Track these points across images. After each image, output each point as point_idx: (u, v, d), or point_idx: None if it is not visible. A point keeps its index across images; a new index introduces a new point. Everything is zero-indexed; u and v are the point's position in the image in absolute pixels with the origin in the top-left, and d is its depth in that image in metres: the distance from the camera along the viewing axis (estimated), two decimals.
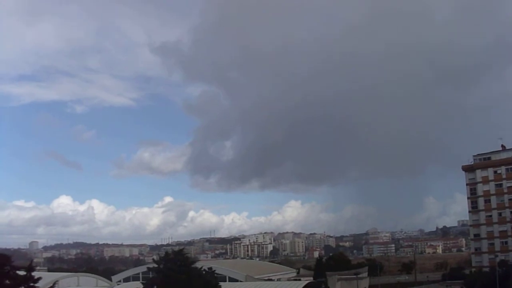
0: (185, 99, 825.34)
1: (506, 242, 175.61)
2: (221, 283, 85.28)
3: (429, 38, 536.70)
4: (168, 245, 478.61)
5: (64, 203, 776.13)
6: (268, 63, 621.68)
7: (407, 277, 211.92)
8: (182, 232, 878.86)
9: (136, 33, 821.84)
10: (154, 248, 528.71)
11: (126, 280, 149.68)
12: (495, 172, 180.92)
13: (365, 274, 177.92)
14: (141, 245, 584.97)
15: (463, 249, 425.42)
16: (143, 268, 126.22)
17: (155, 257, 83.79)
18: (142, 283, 73.61)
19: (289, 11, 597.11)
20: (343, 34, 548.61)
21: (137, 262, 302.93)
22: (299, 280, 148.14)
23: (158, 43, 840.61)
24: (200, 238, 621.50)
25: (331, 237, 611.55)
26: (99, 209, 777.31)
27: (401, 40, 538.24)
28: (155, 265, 73.08)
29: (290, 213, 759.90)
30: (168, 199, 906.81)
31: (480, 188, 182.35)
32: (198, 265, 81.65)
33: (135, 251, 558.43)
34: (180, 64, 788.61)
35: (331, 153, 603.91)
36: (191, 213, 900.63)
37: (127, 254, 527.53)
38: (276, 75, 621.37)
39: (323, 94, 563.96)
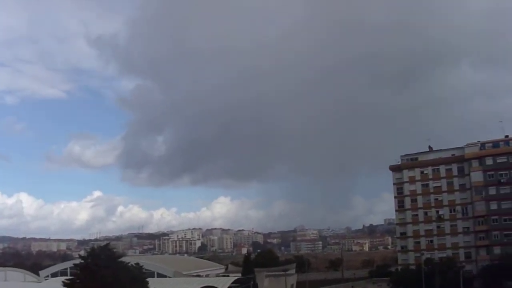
0: (119, 93, 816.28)
1: (431, 241, 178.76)
2: (149, 279, 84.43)
3: (361, 42, 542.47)
4: (96, 240, 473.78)
5: None
6: (203, 60, 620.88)
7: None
8: (111, 227, 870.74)
9: (72, 25, 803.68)
10: (82, 243, 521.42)
11: (54, 275, 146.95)
12: (422, 172, 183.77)
13: (293, 271, 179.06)
14: (69, 240, 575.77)
15: (389, 247, 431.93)
16: (70, 263, 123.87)
17: (82, 252, 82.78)
18: (70, 278, 72.33)
19: (228, 11, 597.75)
20: (278, 36, 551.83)
21: (65, 257, 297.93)
22: (228, 276, 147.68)
23: (94, 35, 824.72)
24: (128, 233, 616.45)
25: (259, 233, 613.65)
26: (28, 203, 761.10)
27: (334, 44, 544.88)
28: (82, 261, 71.96)
29: (219, 209, 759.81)
30: (97, 193, 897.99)
31: (407, 188, 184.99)
32: (126, 260, 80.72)
33: (63, 246, 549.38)
34: (116, 57, 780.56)
35: (261, 151, 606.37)
36: (120, 208, 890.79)
37: (55, 249, 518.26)
38: (210, 73, 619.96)
39: (256, 93, 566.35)
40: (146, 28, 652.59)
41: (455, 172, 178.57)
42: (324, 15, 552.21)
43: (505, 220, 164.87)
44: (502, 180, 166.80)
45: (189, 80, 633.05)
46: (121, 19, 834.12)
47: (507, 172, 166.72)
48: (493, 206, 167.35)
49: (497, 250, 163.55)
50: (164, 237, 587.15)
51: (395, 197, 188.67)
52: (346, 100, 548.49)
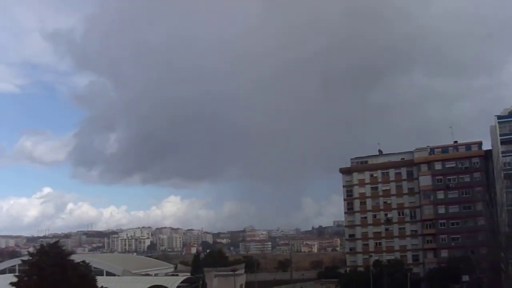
0: (73, 89, 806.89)
1: (380, 243, 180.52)
2: (97, 277, 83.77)
3: (316, 43, 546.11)
4: (44, 237, 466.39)
5: None
6: (158, 58, 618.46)
7: None
8: (60, 224, 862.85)
9: (27, 18, 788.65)
10: (31, 240, 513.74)
11: (2, 272, 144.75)
12: (372, 175, 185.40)
13: (242, 271, 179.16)
14: (17, 237, 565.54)
15: (338, 248, 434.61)
16: (18, 261, 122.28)
17: (30, 249, 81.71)
18: (17, 275, 71.47)
19: (186, 9, 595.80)
20: (235, 35, 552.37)
21: (13, 254, 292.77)
22: (177, 275, 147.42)
23: (50, 30, 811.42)
24: (78, 231, 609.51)
25: (208, 233, 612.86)
26: None
27: (290, 44, 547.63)
28: (30, 258, 71.16)
29: (170, 208, 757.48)
30: (47, 190, 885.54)
31: (357, 190, 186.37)
32: (74, 258, 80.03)
33: (11, 243, 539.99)
34: (71, 53, 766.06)
35: (213, 151, 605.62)
36: (70, 205, 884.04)
37: (3, 246, 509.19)
38: (165, 71, 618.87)
39: (210, 92, 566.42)
40: (103, 24, 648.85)
41: (404, 176, 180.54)
42: (280, 15, 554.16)
43: (452, 224, 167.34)
44: (450, 185, 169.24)
45: (144, 78, 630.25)
46: (79, 14, 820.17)
47: (455, 177, 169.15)
48: (441, 210, 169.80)
49: (444, 254, 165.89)
50: (113, 235, 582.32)
51: (344, 199, 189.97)
52: (299, 102, 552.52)
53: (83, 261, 79.75)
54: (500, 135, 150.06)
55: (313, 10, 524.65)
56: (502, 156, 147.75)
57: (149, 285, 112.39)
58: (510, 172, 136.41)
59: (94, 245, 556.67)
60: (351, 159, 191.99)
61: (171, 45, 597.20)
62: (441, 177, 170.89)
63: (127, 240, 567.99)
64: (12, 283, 66.77)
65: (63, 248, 79.24)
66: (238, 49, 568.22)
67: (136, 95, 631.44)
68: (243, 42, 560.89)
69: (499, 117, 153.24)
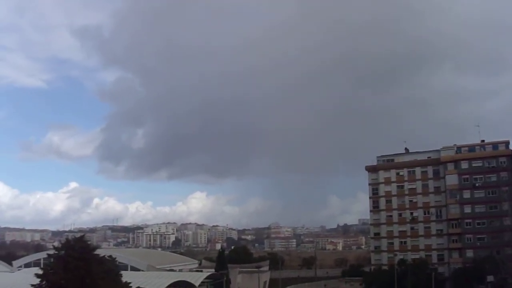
0: (100, 84, 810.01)
1: (405, 242, 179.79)
2: (122, 272, 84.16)
3: (345, 43, 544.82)
4: (70, 231, 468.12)
5: None
6: (187, 57, 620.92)
7: None
8: (86, 219, 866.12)
9: (55, 14, 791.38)
10: (56, 234, 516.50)
11: (27, 265, 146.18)
12: (397, 173, 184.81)
13: (267, 268, 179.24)
14: (43, 231, 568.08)
15: (363, 247, 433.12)
16: (44, 254, 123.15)
17: (56, 243, 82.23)
18: (43, 268, 71.98)
19: (217, 8, 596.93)
20: (264, 37, 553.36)
21: (39, 248, 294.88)
22: (201, 271, 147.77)
23: (78, 26, 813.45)
24: (103, 226, 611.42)
25: (233, 230, 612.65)
26: (3, 192, 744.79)
27: (318, 44, 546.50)
28: (56, 252, 71.63)
29: (195, 204, 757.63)
30: (73, 184, 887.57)
31: (382, 189, 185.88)
32: (99, 252, 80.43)
33: (37, 236, 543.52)
34: (99, 49, 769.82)
35: (240, 148, 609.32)
36: (96, 200, 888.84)
37: (29, 239, 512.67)
38: (194, 70, 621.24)
39: (237, 93, 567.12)
40: (132, 21, 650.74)
41: (430, 175, 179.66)
42: (309, 16, 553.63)
43: (478, 224, 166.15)
44: (476, 184, 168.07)
45: (172, 75, 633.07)
46: (107, 10, 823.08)
47: (482, 176, 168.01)
48: (467, 209, 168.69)
49: (469, 253, 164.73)
50: (138, 231, 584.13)
51: (370, 197, 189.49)
52: (327, 99, 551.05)
53: (110, 256, 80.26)
54: None
55: (343, 6, 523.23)
56: None
57: (174, 281, 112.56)
58: None
59: (119, 240, 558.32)
60: (377, 157, 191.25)
61: (200, 44, 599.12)
62: (467, 176, 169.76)
63: (152, 236, 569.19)
64: (37, 275, 67.24)
65: (89, 242, 79.68)
66: (268, 50, 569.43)
67: (164, 91, 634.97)
68: (273, 43, 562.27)
69: None
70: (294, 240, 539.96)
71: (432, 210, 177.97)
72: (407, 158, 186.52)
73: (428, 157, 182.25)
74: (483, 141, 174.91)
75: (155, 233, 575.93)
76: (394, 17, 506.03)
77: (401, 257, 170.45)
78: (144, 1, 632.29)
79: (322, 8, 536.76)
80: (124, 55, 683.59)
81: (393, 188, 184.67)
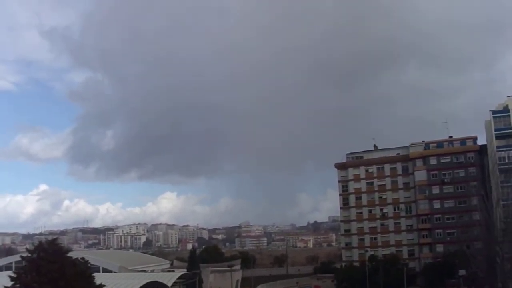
0: (69, 86, 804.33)
1: (375, 238, 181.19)
2: (95, 274, 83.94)
3: (313, 45, 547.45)
4: (41, 234, 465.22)
5: None
6: (157, 57, 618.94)
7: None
8: (56, 221, 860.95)
9: (24, 15, 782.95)
10: (27, 237, 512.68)
11: None
12: (367, 170, 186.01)
13: (238, 267, 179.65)
14: (13, 234, 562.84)
15: (333, 244, 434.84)
16: (16, 257, 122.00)
17: (28, 246, 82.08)
18: (16, 272, 71.62)
19: (190, 14, 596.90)
20: (233, 43, 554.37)
21: (10, 251, 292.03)
22: (173, 271, 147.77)
23: (47, 26, 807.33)
24: (74, 228, 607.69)
25: (204, 229, 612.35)
26: None
27: (287, 47, 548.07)
28: (29, 255, 71.34)
29: (165, 205, 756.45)
30: (43, 187, 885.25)
31: (352, 186, 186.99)
32: (72, 255, 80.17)
33: (7, 240, 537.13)
34: (68, 50, 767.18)
35: (209, 147, 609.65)
36: (66, 202, 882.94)
37: None
38: (163, 69, 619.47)
39: (209, 95, 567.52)
40: (101, 21, 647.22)
41: (399, 171, 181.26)
42: (278, 20, 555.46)
43: (447, 218, 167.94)
44: (445, 180, 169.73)
45: (142, 76, 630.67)
46: (77, 11, 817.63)
47: (450, 172, 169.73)
48: (436, 205, 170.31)
49: (439, 248, 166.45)
50: (109, 232, 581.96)
51: (340, 194, 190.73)
52: (295, 98, 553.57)
53: (82, 258, 79.94)
54: (495, 130, 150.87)
55: (309, 8, 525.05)
56: (497, 151, 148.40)
57: (146, 281, 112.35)
58: (505, 166, 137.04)
59: (90, 242, 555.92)
60: (347, 154, 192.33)
61: (170, 46, 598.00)
62: (436, 172, 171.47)
63: (122, 237, 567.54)
64: (11, 277, 66.94)
65: (61, 245, 79.38)
66: (239, 54, 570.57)
67: (132, 92, 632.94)
68: (244, 55, 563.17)
69: (494, 112, 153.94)
70: (265, 239, 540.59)
71: (402, 206, 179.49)
72: (376, 155, 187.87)
73: (397, 154, 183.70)
74: (451, 137, 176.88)
75: (126, 234, 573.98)
76: (360, 16, 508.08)
77: (372, 253, 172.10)
78: (115, 3, 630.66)
79: (289, 12, 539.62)
80: (94, 56, 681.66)
81: (362, 185, 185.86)
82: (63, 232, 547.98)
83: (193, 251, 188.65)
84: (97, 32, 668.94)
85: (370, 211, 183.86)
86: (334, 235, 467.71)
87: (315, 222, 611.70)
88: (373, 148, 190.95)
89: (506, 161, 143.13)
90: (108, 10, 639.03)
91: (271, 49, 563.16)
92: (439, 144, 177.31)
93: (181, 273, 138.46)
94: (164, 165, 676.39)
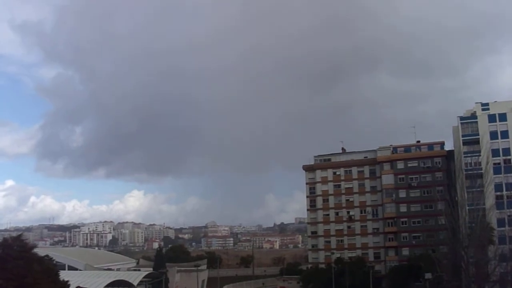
0: (39, 81, 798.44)
1: (342, 241, 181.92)
2: (60, 271, 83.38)
3: (287, 41, 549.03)
4: (6, 230, 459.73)
5: None
6: (130, 55, 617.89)
7: None
8: (22, 218, 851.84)
9: None
10: None
11: None
12: (334, 173, 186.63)
13: (205, 267, 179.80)
14: None
15: (300, 245, 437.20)
16: None
17: None
18: None
19: (162, 9, 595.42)
20: (207, 37, 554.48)
21: None
22: (139, 270, 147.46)
23: (19, 20, 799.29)
24: (39, 225, 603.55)
25: (170, 228, 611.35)
26: None
27: (262, 47, 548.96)
28: None
29: (132, 203, 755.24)
30: (10, 182, 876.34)
31: (319, 188, 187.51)
32: (36, 252, 79.62)
33: None
34: (39, 44, 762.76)
35: (178, 147, 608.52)
36: (32, 199, 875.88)
37: None
38: (135, 68, 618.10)
39: (177, 93, 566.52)
40: (74, 17, 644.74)
41: (367, 174, 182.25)
42: (254, 18, 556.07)
43: (413, 222, 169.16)
44: (412, 184, 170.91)
45: (113, 73, 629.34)
46: (49, 6, 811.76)
47: (417, 176, 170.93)
48: (403, 208, 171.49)
49: (405, 251, 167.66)
50: (75, 230, 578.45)
51: (307, 196, 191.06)
52: (267, 101, 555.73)
53: (47, 255, 79.45)
54: (462, 136, 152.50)
55: (289, 8, 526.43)
56: (464, 157, 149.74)
57: (112, 280, 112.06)
58: (471, 172, 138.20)
59: (56, 239, 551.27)
60: (314, 156, 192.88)
61: (142, 42, 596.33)
62: (403, 176, 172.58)
63: (88, 235, 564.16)
64: None
65: (26, 241, 78.76)
66: (212, 52, 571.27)
67: (103, 89, 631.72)
68: (217, 45, 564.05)
69: (461, 118, 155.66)
70: (231, 239, 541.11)
71: (369, 209, 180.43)
72: (344, 158, 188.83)
73: (364, 157, 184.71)
74: (418, 141, 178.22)
75: (92, 232, 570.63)
76: (337, 17, 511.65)
77: (338, 255, 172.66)
78: None
79: (268, 10, 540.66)
80: (65, 51, 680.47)
81: (330, 187, 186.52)
82: (28, 229, 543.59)
83: (159, 250, 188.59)
84: (70, 27, 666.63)
85: (337, 214, 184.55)
86: (300, 236, 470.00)
87: (282, 223, 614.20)
88: (341, 151, 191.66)
89: (473, 166, 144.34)
90: (82, 6, 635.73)
91: (244, 46, 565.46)
92: (407, 148, 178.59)
93: (147, 272, 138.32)
94: (132, 163, 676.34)
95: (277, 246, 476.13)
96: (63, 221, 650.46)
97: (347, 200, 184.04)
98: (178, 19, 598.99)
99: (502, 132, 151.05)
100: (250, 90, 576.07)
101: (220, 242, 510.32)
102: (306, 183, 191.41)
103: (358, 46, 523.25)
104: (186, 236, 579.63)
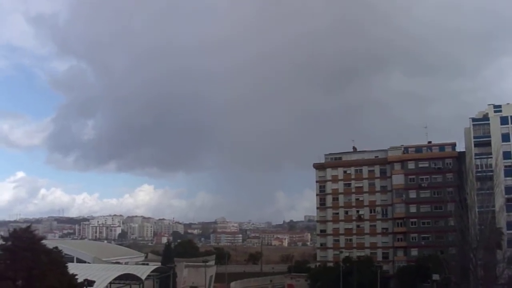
0: (52, 74, 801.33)
1: (350, 240, 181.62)
2: (68, 264, 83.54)
3: (302, 41, 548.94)
4: (15, 221, 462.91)
5: None
6: (143, 49, 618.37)
7: None
8: (32, 209, 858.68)
9: (9, 0, 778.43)
10: (2, 224, 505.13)
11: None
12: (345, 172, 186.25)
13: (213, 262, 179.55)
14: None
15: (308, 243, 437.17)
16: None
17: (3, 233, 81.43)
18: None
19: (178, 8, 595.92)
20: (222, 40, 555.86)
21: None
22: (147, 265, 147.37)
23: (34, 13, 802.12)
24: (49, 217, 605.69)
25: (180, 223, 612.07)
26: None
27: (277, 47, 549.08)
28: (3, 242, 70.97)
29: (142, 197, 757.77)
30: (21, 174, 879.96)
31: (329, 186, 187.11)
32: (45, 243, 79.79)
33: None
34: (53, 37, 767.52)
35: (189, 143, 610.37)
36: (43, 191, 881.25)
37: None
38: (150, 63, 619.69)
39: (193, 90, 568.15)
40: (88, 10, 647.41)
41: (377, 174, 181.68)
42: (269, 19, 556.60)
43: (423, 223, 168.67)
44: (422, 184, 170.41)
45: (127, 68, 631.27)
46: None
47: (428, 176, 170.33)
48: (413, 209, 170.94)
49: (414, 252, 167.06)
50: (84, 222, 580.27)
51: (317, 194, 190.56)
52: (279, 96, 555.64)
53: (56, 247, 79.55)
54: (474, 138, 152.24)
55: (302, 9, 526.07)
56: (475, 158, 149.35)
57: (120, 273, 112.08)
58: (482, 174, 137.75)
59: (65, 232, 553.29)
60: (325, 155, 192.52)
61: (158, 39, 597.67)
62: (413, 176, 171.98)
63: (98, 228, 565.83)
64: None
65: (35, 232, 79.00)
66: (227, 53, 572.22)
67: (116, 82, 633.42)
68: (232, 46, 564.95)
69: (473, 119, 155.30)
70: (240, 235, 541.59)
71: (378, 209, 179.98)
72: (355, 157, 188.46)
73: (375, 157, 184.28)
74: (430, 142, 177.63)
75: (101, 225, 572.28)
76: (352, 19, 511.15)
77: (347, 254, 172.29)
78: None
79: (279, 10, 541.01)
80: (78, 44, 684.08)
81: (340, 186, 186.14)
82: (38, 221, 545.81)
83: (168, 245, 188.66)
84: (84, 21, 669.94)
85: (346, 213, 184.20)
86: (309, 234, 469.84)
87: (291, 221, 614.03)
88: (352, 150, 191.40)
89: (484, 168, 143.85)
90: (97, 0, 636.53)
91: (258, 45, 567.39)
92: (418, 148, 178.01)
93: (155, 267, 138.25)
94: (143, 158, 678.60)
95: (285, 243, 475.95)
96: (73, 213, 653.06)
97: (357, 199, 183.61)
98: (193, 18, 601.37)
99: None
100: (263, 90, 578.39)
101: (229, 238, 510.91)
102: (316, 181, 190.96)
103: (371, 48, 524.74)
104: (195, 232, 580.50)
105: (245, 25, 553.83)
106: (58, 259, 75.66)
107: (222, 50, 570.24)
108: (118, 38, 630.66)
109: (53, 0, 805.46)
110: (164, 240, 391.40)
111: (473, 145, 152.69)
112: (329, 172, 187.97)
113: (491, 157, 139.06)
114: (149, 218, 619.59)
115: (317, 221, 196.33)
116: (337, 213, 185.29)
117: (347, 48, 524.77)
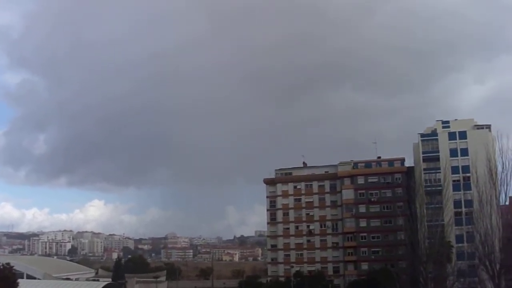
0: (4, 87, 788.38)
1: (301, 254, 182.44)
2: (19, 280, 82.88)
3: (254, 53, 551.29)
4: None
5: None
6: (97, 63, 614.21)
7: None
8: None
9: None
10: None
11: None
12: (295, 187, 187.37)
13: (164, 278, 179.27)
14: None
15: (259, 258, 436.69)
16: None
17: None
18: None
19: (123, 9, 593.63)
20: (177, 48, 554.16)
21: None
22: (98, 281, 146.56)
23: None
24: None
25: (130, 239, 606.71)
26: None
27: (228, 61, 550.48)
28: None
29: (93, 212, 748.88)
30: None
31: (280, 201, 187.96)
32: None
33: None
34: (6, 50, 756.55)
35: (141, 158, 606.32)
36: None
37: None
38: (102, 77, 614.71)
39: (143, 103, 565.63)
40: (44, 24, 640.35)
41: (327, 189, 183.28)
42: (220, 32, 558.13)
43: (373, 237, 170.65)
44: (372, 199, 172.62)
45: (79, 81, 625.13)
46: (17, 11, 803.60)
47: (377, 191, 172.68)
48: (362, 223, 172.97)
49: (364, 266, 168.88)
50: (34, 238, 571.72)
51: (267, 209, 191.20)
52: (229, 110, 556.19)
53: (7, 263, 78.98)
54: (423, 153, 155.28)
55: (252, 24, 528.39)
56: (424, 173, 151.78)
57: None
58: (431, 188, 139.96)
59: (15, 247, 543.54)
60: (276, 170, 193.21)
61: (110, 51, 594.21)
62: (363, 191, 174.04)
63: (48, 243, 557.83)
64: None
65: None
66: (180, 62, 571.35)
67: (68, 96, 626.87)
68: (186, 55, 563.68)
69: (422, 135, 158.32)
70: (191, 251, 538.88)
71: (329, 224, 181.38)
72: (305, 172, 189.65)
73: (325, 172, 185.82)
74: (379, 157, 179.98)
75: (51, 241, 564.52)
76: (301, 34, 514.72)
77: (298, 269, 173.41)
78: (61, 6, 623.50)
79: (232, 26, 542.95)
80: (32, 57, 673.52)
81: (290, 201, 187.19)
82: None
83: (118, 260, 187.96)
84: (39, 34, 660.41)
85: (297, 227, 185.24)
86: (260, 249, 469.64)
87: (242, 236, 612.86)
88: (302, 165, 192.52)
89: (432, 183, 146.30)
90: (53, 13, 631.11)
91: (210, 58, 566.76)
92: (367, 164, 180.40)
93: (106, 283, 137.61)
94: (94, 173, 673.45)
95: (236, 258, 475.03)
96: (23, 229, 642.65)
97: (307, 214, 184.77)
98: (146, 30, 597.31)
99: (462, 149, 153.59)
100: (215, 103, 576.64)
101: (180, 253, 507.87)
102: (267, 197, 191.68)
103: (323, 62, 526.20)
104: (145, 247, 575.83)
105: (196, 36, 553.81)
106: (8, 276, 75.10)
107: (174, 61, 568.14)
108: (73, 52, 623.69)
109: (8, 11, 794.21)
110: (115, 255, 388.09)
111: (421, 160, 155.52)
112: (280, 187, 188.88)
113: (440, 172, 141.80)
114: (99, 233, 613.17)
115: (268, 236, 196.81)
116: (288, 228, 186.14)
117: (299, 62, 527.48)
